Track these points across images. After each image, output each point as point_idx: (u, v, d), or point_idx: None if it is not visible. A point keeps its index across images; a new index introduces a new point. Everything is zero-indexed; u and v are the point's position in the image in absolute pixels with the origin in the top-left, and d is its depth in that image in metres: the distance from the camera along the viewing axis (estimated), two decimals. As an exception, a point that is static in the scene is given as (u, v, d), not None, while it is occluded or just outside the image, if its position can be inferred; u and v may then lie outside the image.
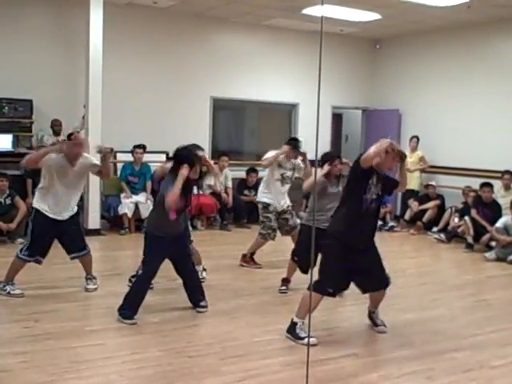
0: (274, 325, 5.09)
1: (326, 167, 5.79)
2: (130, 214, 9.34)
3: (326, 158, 5.89)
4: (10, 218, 8.07)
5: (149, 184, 9.57)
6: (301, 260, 5.96)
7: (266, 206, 7.11)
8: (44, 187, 5.70)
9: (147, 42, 10.35)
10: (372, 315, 5.18)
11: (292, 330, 4.76)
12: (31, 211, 5.85)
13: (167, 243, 5.14)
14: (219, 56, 11.04)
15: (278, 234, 7.25)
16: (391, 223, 10.84)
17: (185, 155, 5.08)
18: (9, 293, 5.69)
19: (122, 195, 9.47)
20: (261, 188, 7.30)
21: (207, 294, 5.52)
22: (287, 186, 7.15)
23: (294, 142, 7.05)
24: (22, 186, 8.63)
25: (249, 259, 7.39)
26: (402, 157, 4.81)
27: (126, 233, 9.28)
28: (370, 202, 4.72)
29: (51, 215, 5.67)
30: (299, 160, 7.02)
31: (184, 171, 4.94)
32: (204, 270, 6.44)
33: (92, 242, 8.64)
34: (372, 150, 4.59)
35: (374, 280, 4.92)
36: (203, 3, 9.84)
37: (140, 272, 5.33)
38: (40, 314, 5.15)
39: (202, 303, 5.42)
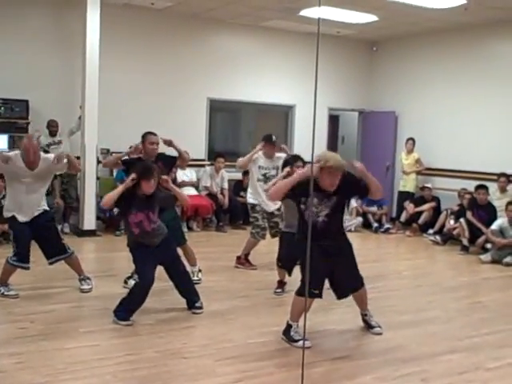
0: (269, 326, 5.09)
1: (286, 170, 5.75)
2: (125, 215, 9.32)
3: (288, 161, 5.93)
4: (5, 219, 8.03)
5: (145, 185, 9.55)
6: (284, 264, 6.00)
7: (253, 206, 7.19)
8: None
9: (144, 43, 10.35)
10: (365, 318, 5.15)
11: (287, 332, 4.76)
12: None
13: (153, 251, 5.14)
14: (216, 57, 11.04)
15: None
16: (387, 225, 10.85)
17: (141, 168, 5.06)
18: (3, 294, 5.69)
19: (118, 196, 9.44)
20: (248, 189, 7.37)
21: (202, 296, 5.52)
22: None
23: (268, 136, 7.06)
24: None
25: (243, 261, 7.40)
26: (341, 168, 4.52)
27: (122, 234, 9.22)
28: (316, 222, 4.61)
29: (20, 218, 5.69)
30: (282, 155, 6.92)
31: (128, 180, 4.97)
32: (199, 271, 6.45)
33: (87, 243, 8.72)
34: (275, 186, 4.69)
35: (345, 284, 4.88)
36: (200, 4, 9.84)
37: (137, 280, 5.32)
38: (35, 315, 5.14)
39: (198, 304, 5.42)
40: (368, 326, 5.12)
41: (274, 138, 7.08)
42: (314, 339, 4.70)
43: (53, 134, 9.23)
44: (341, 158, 4.58)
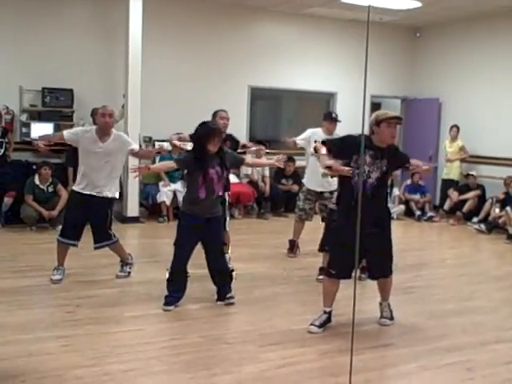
0: (312, 313, 5.07)
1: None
2: (168, 202, 9.44)
3: None
4: (52, 206, 8.23)
5: (187, 173, 9.64)
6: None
7: (302, 185, 7.25)
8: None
9: (186, 32, 10.38)
10: (379, 307, 5.02)
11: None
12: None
13: (200, 224, 5.10)
14: (257, 45, 11.02)
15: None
16: (430, 213, 10.70)
17: (201, 129, 5.12)
18: (50, 278, 5.82)
19: (161, 183, 9.56)
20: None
21: (244, 283, 5.58)
22: None
23: (329, 113, 7.17)
24: (63, 175, 8.77)
25: (291, 246, 7.36)
26: (395, 118, 4.68)
27: (165, 221, 9.37)
28: (365, 183, 4.59)
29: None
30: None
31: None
32: (229, 258, 6.40)
33: (131, 230, 8.85)
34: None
35: (377, 267, 4.84)
36: (241, -8, 9.83)
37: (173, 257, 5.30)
38: (81, 300, 5.24)
39: (228, 295, 5.29)
40: (380, 316, 5.00)
41: (334, 114, 7.16)
42: (357, 327, 4.67)
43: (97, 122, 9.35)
44: None
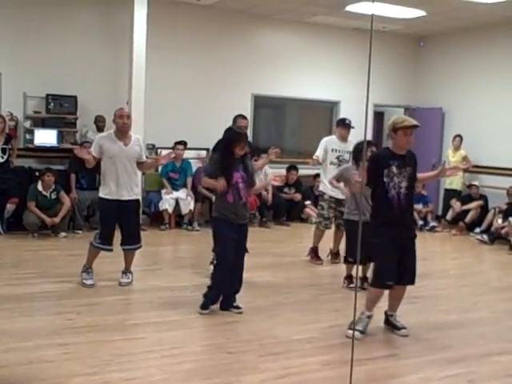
0: (314, 323, 5.08)
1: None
2: (170, 210, 9.43)
3: (360, 148, 6.01)
4: (54, 213, 8.23)
5: (189, 180, 9.66)
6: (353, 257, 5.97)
7: (322, 194, 7.24)
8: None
9: (190, 39, 10.41)
10: (390, 319, 5.02)
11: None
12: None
13: (234, 229, 5.15)
14: (261, 53, 11.05)
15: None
16: (432, 223, 10.67)
17: (228, 134, 5.24)
18: (82, 282, 5.86)
19: (163, 191, 9.55)
20: (320, 177, 7.44)
21: (246, 291, 5.53)
22: None
23: (342, 119, 7.33)
24: (66, 181, 8.78)
25: (312, 254, 7.40)
26: (412, 126, 4.73)
27: (167, 228, 9.36)
28: (398, 194, 4.66)
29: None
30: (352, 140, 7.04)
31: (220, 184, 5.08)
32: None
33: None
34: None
35: (407, 274, 4.81)
36: (245, 0, 9.85)
37: (215, 263, 5.39)
38: (82, 307, 5.23)
39: (236, 304, 5.33)
40: (394, 328, 4.98)
41: (347, 120, 7.25)
42: (360, 337, 4.66)
43: (100, 129, 9.36)
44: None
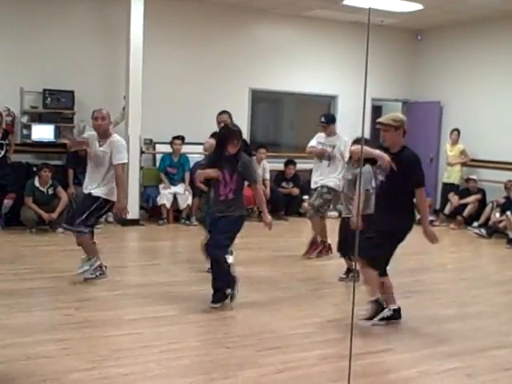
0: (312, 317, 5.08)
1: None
2: (168, 205, 9.42)
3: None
4: (52, 208, 8.22)
5: (187, 175, 9.64)
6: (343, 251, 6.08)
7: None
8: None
9: (187, 34, 10.38)
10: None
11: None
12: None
13: (216, 221, 5.28)
14: (259, 47, 11.02)
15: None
16: (430, 217, 10.66)
17: (224, 131, 5.35)
18: (97, 276, 5.90)
19: (161, 186, 9.54)
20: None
21: (244, 286, 5.53)
22: (326, 163, 7.20)
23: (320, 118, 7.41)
24: (63, 176, 8.76)
25: (321, 248, 7.45)
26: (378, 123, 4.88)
27: (165, 223, 9.35)
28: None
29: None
30: (342, 138, 7.18)
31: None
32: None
33: (131, 232, 8.83)
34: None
35: None
36: (243, -6, 9.83)
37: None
38: (80, 302, 5.23)
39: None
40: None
41: (322, 118, 7.41)
42: (357, 331, 4.66)
43: (97, 124, 9.34)
44: (396, 117, 5.00)
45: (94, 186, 5.85)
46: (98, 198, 5.84)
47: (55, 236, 8.12)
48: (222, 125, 6.22)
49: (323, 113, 7.63)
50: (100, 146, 5.86)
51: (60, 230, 8.24)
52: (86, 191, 5.90)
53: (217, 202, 5.26)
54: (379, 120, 4.90)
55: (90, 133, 6.19)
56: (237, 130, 5.30)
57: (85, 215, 5.82)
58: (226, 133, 5.26)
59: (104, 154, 5.83)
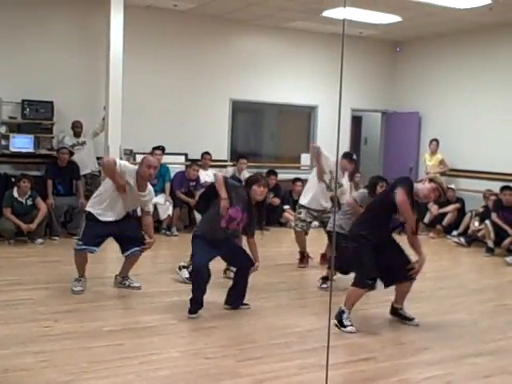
0: (292, 327, 5.07)
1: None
2: (148, 216, 9.35)
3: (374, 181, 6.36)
4: (30, 219, 8.14)
5: (168, 185, 9.61)
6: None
7: (300, 205, 7.40)
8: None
9: (167, 45, 10.40)
10: (400, 312, 5.35)
11: (339, 317, 5.04)
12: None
13: (213, 243, 5.30)
14: (239, 58, 11.06)
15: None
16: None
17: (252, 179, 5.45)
18: (72, 289, 5.84)
19: (141, 197, 9.48)
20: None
21: (224, 296, 5.52)
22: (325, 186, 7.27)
23: (350, 155, 7.31)
24: (42, 187, 8.69)
25: (302, 258, 7.53)
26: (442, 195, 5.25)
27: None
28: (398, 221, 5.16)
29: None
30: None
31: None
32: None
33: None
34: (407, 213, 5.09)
35: (397, 272, 5.17)
36: (223, 6, 9.86)
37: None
38: (59, 314, 5.17)
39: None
40: (405, 319, 5.33)
41: (354, 156, 7.35)
42: (337, 340, 4.67)
43: (77, 134, 9.31)
44: None
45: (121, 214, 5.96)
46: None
47: (34, 247, 8.04)
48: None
49: (348, 151, 7.66)
50: (139, 190, 5.84)
51: (39, 240, 8.18)
52: (107, 219, 5.85)
53: (222, 232, 5.33)
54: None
55: (132, 167, 5.98)
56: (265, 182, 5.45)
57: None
58: (256, 181, 5.36)
59: (143, 198, 5.92)
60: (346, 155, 7.23)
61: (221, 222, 5.26)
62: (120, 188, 5.74)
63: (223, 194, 5.23)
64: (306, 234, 7.48)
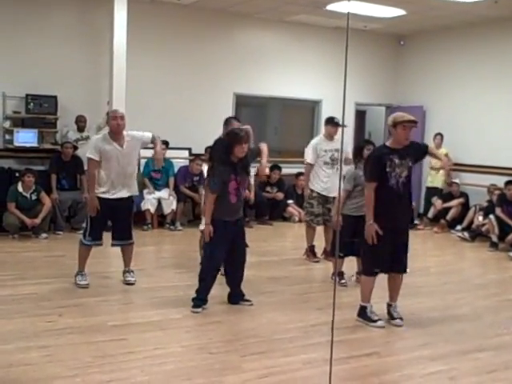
0: (296, 322, 5.08)
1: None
2: (152, 210, 9.39)
3: (359, 147, 6.32)
4: (35, 214, 8.15)
5: (171, 180, 9.62)
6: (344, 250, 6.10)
7: (311, 192, 7.30)
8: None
9: (171, 39, 10.38)
10: (389, 308, 5.24)
11: (363, 313, 5.07)
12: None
13: (230, 229, 5.27)
14: (242, 52, 11.03)
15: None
16: (414, 221, 10.73)
17: (232, 135, 5.35)
18: (76, 283, 5.84)
19: (145, 191, 9.50)
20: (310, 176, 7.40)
21: (228, 291, 5.53)
22: (335, 168, 7.21)
23: (332, 119, 7.34)
24: (46, 182, 8.70)
25: (308, 253, 7.48)
26: (411, 121, 5.00)
27: (149, 228, 9.32)
28: (397, 183, 4.96)
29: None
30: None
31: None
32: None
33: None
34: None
35: (402, 261, 5.13)
36: (226, -1, 9.84)
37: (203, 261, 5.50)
38: (63, 309, 5.19)
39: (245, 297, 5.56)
40: (390, 317, 5.20)
41: (336, 119, 7.31)
42: (341, 335, 4.67)
43: (81, 129, 9.32)
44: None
45: (131, 187, 5.95)
46: (131, 198, 6.03)
47: (38, 242, 8.06)
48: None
49: (330, 116, 7.51)
50: (121, 145, 5.84)
51: (44, 235, 8.20)
52: (118, 196, 5.84)
53: (237, 206, 5.32)
54: (413, 119, 5.04)
55: (98, 136, 6.15)
56: (244, 134, 5.39)
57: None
58: (234, 138, 5.30)
59: (130, 152, 5.90)
60: (328, 121, 7.36)
61: (230, 199, 5.24)
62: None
63: (207, 219, 5.24)
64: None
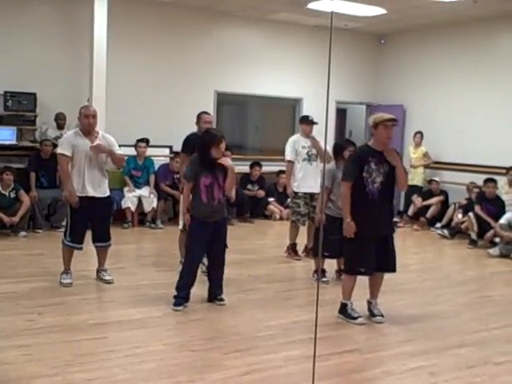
0: (278, 319, 5.09)
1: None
2: (133, 208, 9.34)
3: (340, 145, 6.34)
4: (13, 212, 8.07)
5: (152, 178, 9.59)
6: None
7: (295, 192, 7.31)
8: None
9: (151, 37, 10.32)
10: (370, 305, 5.27)
11: (343, 311, 5.10)
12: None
13: (208, 228, 5.27)
14: (223, 50, 11.01)
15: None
16: (394, 219, 10.78)
17: (208, 137, 5.32)
18: (60, 282, 5.80)
19: (125, 189, 9.46)
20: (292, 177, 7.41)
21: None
22: (315, 165, 7.28)
23: (306, 117, 7.51)
24: (25, 180, 8.62)
25: (290, 250, 7.51)
26: (391, 120, 5.01)
27: (129, 226, 9.27)
28: (375, 190, 4.92)
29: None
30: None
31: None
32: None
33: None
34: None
35: (390, 262, 5.12)
36: (207, -3, 9.81)
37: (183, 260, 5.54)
38: (43, 307, 5.15)
39: (221, 297, 5.50)
40: (370, 315, 5.23)
41: (310, 117, 7.43)
42: (323, 332, 4.69)
43: (61, 126, 9.23)
44: None
45: (101, 185, 5.90)
46: (109, 198, 6.05)
47: (17, 240, 7.98)
48: (209, 126, 6.35)
49: (305, 114, 7.71)
50: (92, 142, 5.76)
51: (22, 233, 8.12)
52: (90, 194, 5.78)
53: (212, 205, 5.27)
54: (392, 117, 5.06)
55: (69, 133, 6.08)
56: (221, 135, 5.34)
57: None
58: (212, 139, 5.26)
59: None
60: (302, 119, 7.52)
61: (202, 197, 5.25)
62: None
63: (185, 208, 5.35)
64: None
